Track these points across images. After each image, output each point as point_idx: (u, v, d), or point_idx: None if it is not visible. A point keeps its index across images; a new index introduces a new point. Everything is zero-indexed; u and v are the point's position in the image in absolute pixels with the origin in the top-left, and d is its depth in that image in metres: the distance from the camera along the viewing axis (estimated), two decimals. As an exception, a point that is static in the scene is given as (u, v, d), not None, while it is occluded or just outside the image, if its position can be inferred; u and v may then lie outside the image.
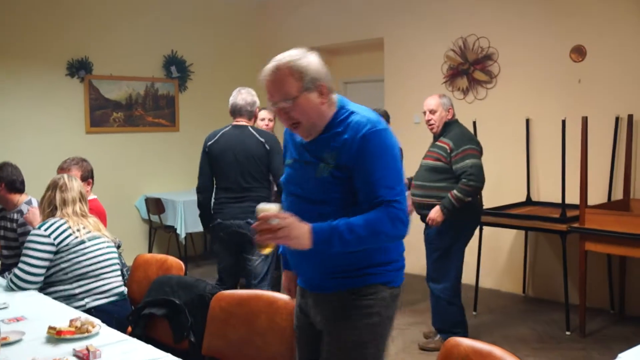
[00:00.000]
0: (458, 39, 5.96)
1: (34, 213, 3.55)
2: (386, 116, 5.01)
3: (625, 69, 4.93)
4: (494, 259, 5.79)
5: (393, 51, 6.60)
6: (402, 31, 6.48)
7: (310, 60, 2.00)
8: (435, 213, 4.07)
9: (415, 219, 4.23)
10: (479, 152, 4.14)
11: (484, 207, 5.00)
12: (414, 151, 6.15)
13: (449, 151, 4.08)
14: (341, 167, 1.99)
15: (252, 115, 4.19)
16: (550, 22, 5.34)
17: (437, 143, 4.20)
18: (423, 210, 4.19)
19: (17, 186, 3.87)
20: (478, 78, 5.88)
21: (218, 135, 4.16)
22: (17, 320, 2.58)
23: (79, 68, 6.55)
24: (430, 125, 4.25)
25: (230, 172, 4.06)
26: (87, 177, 3.84)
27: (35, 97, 6.31)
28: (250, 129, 4.12)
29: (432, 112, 4.22)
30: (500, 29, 5.69)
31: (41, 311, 2.70)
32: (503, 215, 4.98)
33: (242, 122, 4.15)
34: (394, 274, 2.09)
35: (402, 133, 6.41)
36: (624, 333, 4.60)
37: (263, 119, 4.91)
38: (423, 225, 4.28)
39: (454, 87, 6.06)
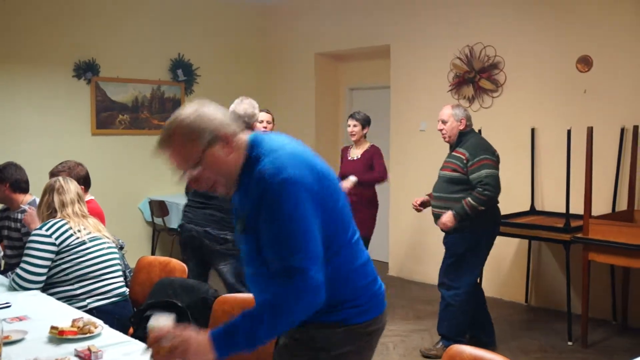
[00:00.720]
0: (464, 47, 5.97)
1: (32, 214, 3.49)
2: (365, 121, 5.17)
3: (632, 79, 4.92)
4: (497, 268, 5.77)
5: (399, 58, 6.61)
6: (409, 38, 6.48)
7: (201, 113, 1.78)
8: (446, 217, 4.11)
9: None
10: (495, 162, 4.17)
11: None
12: (419, 158, 6.16)
13: (465, 161, 4.12)
14: (248, 227, 1.80)
15: (249, 128, 4.13)
16: (557, 32, 5.34)
17: (453, 153, 4.24)
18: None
19: (22, 186, 3.89)
20: (484, 86, 5.87)
21: None
22: (20, 319, 2.59)
23: (86, 70, 6.58)
24: (442, 135, 4.33)
25: None
26: (79, 182, 3.63)
27: (42, 99, 6.33)
28: None
29: (444, 122, 4.29)
30: (506, 38, 5.68)
31: (44, 311, 2.71)
32: (507, 225, 4.95)
33: None
34: (348, 312, 1.87)
35: (407, 140, 6.46)
36: (626, 344, 4.58)
37: (262, 122, 4.88)
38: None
39: (459, 95, 6.05)
